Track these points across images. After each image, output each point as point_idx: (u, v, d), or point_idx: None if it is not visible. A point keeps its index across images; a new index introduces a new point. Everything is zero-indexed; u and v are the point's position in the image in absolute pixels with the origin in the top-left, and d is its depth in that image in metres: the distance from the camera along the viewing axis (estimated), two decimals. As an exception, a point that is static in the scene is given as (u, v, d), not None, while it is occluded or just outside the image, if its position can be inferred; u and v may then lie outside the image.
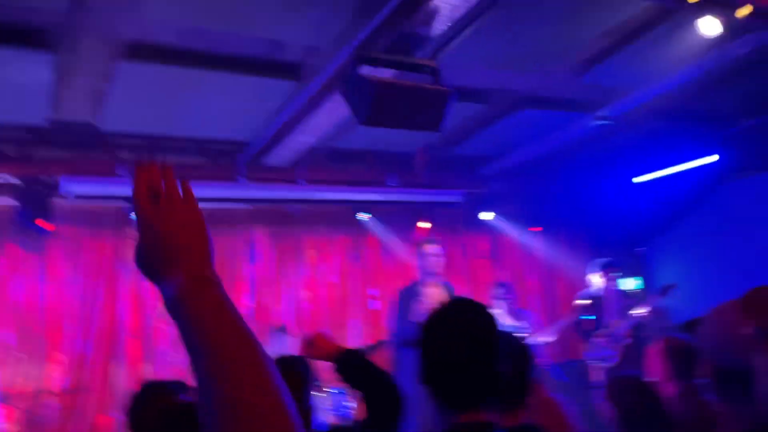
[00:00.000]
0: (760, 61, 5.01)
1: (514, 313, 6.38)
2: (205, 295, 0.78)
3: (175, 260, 0.81)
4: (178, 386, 2.27)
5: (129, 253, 6.34)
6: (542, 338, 6.11)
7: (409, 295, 4.93)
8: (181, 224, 0.85)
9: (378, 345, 6.08)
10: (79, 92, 4.63)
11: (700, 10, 3.65)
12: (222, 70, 4.44)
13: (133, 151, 5.73)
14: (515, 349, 1.85)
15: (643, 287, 8.43)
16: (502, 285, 6.62)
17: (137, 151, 5.73)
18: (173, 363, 6.28)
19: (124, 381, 6.05)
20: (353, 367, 2.05)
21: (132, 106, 4.93)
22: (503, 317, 6.24)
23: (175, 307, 0.77)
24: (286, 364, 2.06)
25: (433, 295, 4.83)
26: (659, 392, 2.57)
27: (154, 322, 6.32)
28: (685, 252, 8.26)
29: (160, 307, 6.20)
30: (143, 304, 6.33)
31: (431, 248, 4.97)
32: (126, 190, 5.64)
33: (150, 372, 6.18)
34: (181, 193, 0.88)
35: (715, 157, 6.86)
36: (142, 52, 4.13)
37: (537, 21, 4.18)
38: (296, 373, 2.02)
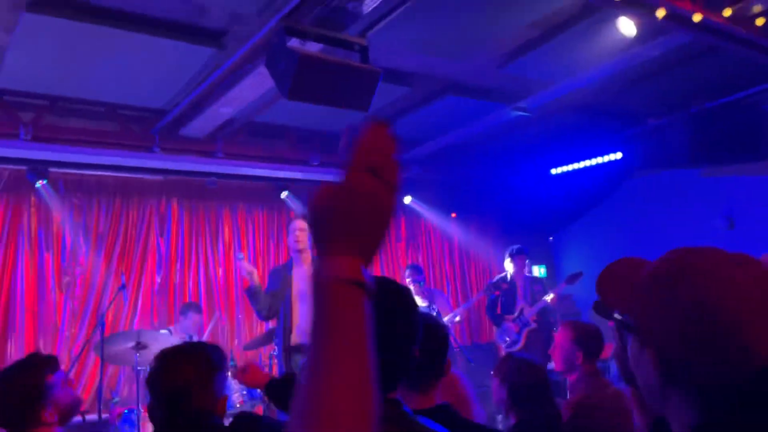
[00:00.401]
0: (668, 64, 5.32)
1: (424, 293, 6.49)
2: (352, 302, 0.73)
3: (352, 246, 0.74)
4: (30, 365, 2.15)
5: (27, 220, 5.94)
6: (448, 318, 6.26)
7: (278, 275, 4.77)
8: (382, 215, 0.76)
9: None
10: (-25, 43, 4.25)
11: (621, 9, 3.80)
12: (139, 31, 4.19)
13: (36, 112, 5.33)
14: (431, 329, 1.86)
15: (546, 275, 8.82)
16: (413, 267, 6.72)
17: (40, 112, 5.33)
18: (68, 337, 5.97)
19: (16, 356, 5.67)
20: (280, 391, 2.31)
21: (36, 63, 4.57)
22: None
23: (319, 293, 0.73)
24: (198, 350, 1.97)
25: (300, 274, 4.67)
26: (547, 372, 2.69)
27: (50, 295, 5.95)
28: (589, 242, 8.71)
29: (59, 278, 5.86)
30: (41, 275, 5.94)
31: (296, 223, 4.75)
32: (26, 152, 5.27)
33: (44, 347, 5.83)
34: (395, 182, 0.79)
35: (619, 155, 7.24)
36: (49, 3, 3.83)
37: (465, 8, 4.22)
38: (209, 359, 1.94)
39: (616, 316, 1.00)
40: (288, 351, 4.62)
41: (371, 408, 0.69)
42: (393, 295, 1.40)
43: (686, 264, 0.88)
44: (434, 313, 6.07)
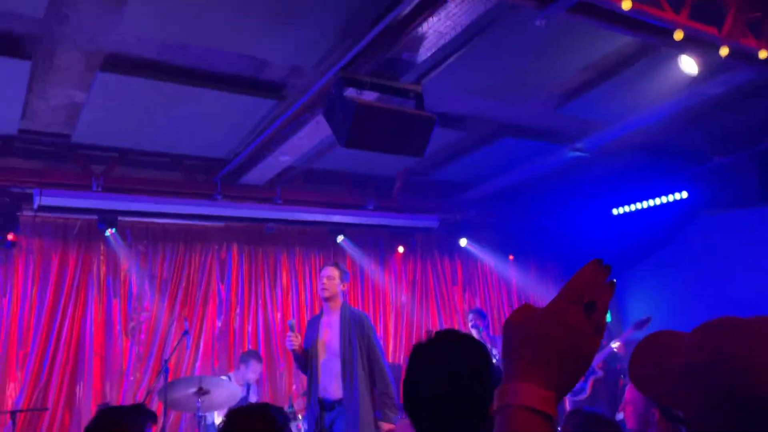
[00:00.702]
0: (733, 100, 5.15)
1: (488, 339, 6.35)
2: (531, 428, 0.71)
3: (545, 376, 0.73)
4: (134, 412, 2.22)
5: (96, 268, 6.17)
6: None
7: (311, 326, 4.57)
8: (581, 352, 0.75)
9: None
10: (53, 102, 4.53)
11: (680, 48, 3.73)
12: (202, 86, 4.37)
13: (107, 164, 5.60)
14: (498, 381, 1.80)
15: (610, 320, 8.49)
16: (476, 311, 6.59)
17: (111, 165, 5.60)
18: (132, 382, 6.10)
19: (85, 400, 5.83)
20: None
21: (108, 118, 4.82)
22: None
23: (499, 417, 0.72)
24: (259, 412, 1.98)
25: (327, 322, 4.45)
26: (621, 429, 2.53)
27: (117, 340, 6.12)
28: (655, 285, 8.36)
29: (126, 324, 6.03)
30: (108, 320, 6.14)
31: (325, 270, 4.52)
32: (97, 203, 5.51)
33: (110, 392, 5.97)
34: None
35: (684, 194, 6.99)
36: (120, 64, 4.06)
37: (519, 52, 4.22)
38: (271, 422, 1.95)
39: (660, 407, 0.92)
40: (318, 406, 4.32)
41: None
42: (476, 353, 1.38)
43: (727, 351, 0.80)
44: (494, 360, 5.93)
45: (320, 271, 4.66)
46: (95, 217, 5.79)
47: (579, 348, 0.74)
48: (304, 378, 6.82)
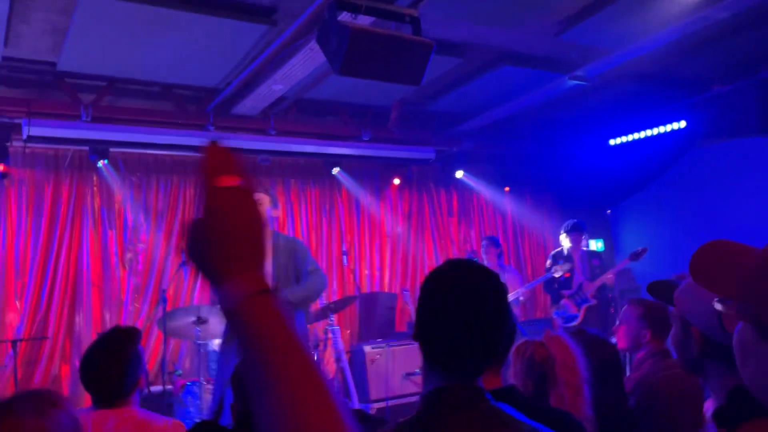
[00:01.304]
0: (737, 27, 5.00)
1: (496, 267, 6.44)
2: (267, 310, 0.72)
3: (240, 263, 0.74)
4: (123, 336, 2.26)
5: (90, 199, 6.14)
6: (514, 296, 6.18)
7: None
8: (250, 221, 0.77)
9: (347, 300, 6.07)
10: (36, 27, 4.37)
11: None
12: (191, 11, 4.21)
13: (95, 93, 5.47)
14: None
15: (604, 249, 8.59)
16: (489, 238, 6.64)
17: (100, 94, 5.47)
18: (132, 311, 6.18)
19: (85, 329, 5.93)
20: None
21: (94, 44, 4.66)
22: None
23: (234, 318, 0.72)
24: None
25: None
26: (617, 351, 2.60)
27: (114, 271, 6.17)
28: (650, 215, 8.40)
29: (122, 255, 6.06)
30: (105, 251, 6.16)
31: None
32: (87, 133, 5.43)
33: (110, 321, 6.06)
34: (249, 187, 0.79)
35: (683, 123, 6.91)
36: (105, -14, 3.89)
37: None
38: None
39: (718, 303, 0.94)
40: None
41: (334, 401, 0.69)
42: (485, 279, 1.36)
43: None
44: None
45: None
46: (86, 147, 5.71)
47: (242, 217, 0.76)
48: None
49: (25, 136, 5.29)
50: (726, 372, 1.27)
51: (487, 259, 6.46)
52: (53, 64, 5.00)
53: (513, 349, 2.08)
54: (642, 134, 7.39)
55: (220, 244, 0.74)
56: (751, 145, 6.87)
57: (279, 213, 4.39)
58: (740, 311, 0.90)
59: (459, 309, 1.30)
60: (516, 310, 6.66)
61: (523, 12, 4.60)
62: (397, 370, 5.95)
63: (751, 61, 5.88)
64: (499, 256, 6.56)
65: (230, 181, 0.76)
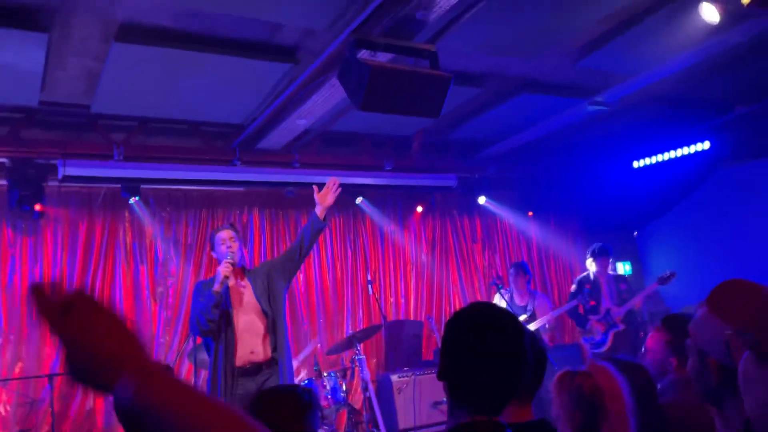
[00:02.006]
0: (757, 48, 5.01)
1: (525, 293, 6.43)
2: (165, 384, 0.74)
3: (114, 364, 0.78)
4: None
5: (122, 235, 6.32)
6: (539, 323, 6.15)
7: (207, 288, 3.98)
8: (101, 327, 0.81)
9: (373, 329, 6.10)
10: (71, 73, 4.58)
11: (701, -4, 3.63)
12: (217, 53, 4.38)
13: (127, 133, 5.67)
14: (535, 349, 1.85)
15: (631, 272, 8.51)
16: (516, 265, 6.63)
17: (131, 133, 5.67)
18: (163, 344, 6.30)
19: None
20: None
21: (125, 87, 4.86)
22: (512, 297, 6.32)
23: (140, 412, 0.73)
24: (288, 393, 2.07)
25: (239, 285, 4.07)
26: (650, 376, 2.58)
27: (146, 304, 6.30)
28: (676, 237, 8.32)
29: (154, 289, 6.20)
30: (137, 285, 6.32)
31: (224, 233, 4.09)
32: (120, 172, 5.62)
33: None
34: (84, 298, 0.84)
35: (706, 144, 6.88)
36: (136, 33, 4.07)
37: (535, 5, 4.14)
38: (299, 401, 2.02)
39: (729, 332, 1.01)
40: (232, 375, 3.87)
41: None
42: (505, 320, 1.45)
43: None
44: (529, 314, 6.01)
45: (216, 235, 4.14)
46: (118, 185, 5.90)
47: (85, 328, 0.81)
48: (326, 336, 7.02)
49: (60, 176, 5.50)
50: (743, 403, 1.29)
51: (515, 286, 6.46)
52: (87, 107, 5.21)
53: (555, 380, 2.07)
54: (666, 156, 7.37)
55: (89, 362, 0.79)
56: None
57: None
58: (746, 340, 0.96)
59: (480, 350, 1.38)
60: (545, 336, 6.62)
61: (541, 41, 4.67)
62: (425, 398, 5.95)
63: (773, 81, 5.86)
64: (528, 281, 6.55)
65: (62, 305, 0.81)
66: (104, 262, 6.19)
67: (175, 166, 5.96)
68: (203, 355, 4.88)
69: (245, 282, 4.10)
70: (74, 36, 4.02)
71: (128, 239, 6.37)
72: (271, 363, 3.94)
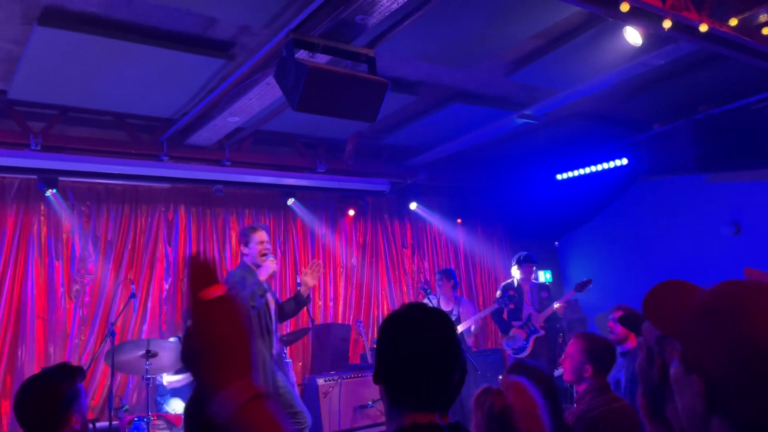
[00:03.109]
0: (674, 72, 5.34)
1: (451, 299, 6.56)
2: (259, 415, 0.77)
3: (228, 373, 0.79)
4: (58, 373, 2.24)
5: (37, 229, 5.98)
6: (466, 326, 6.29)
7: (244, 280, 4.50)
8: (236, 331, 0.81)
9: (301, 332, 6.05)
10: (-13, 55, 4.30)
11: (626, 19, 3.82)
12: (147, 43, 4.23)
13: (46, 122, 5.38)
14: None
15: (551, 280, 8.84)
16: (442, 272, 6.76)
17: (50, 122, 5.38)
18: (78, 345, 6.00)
19: (28, 363, 5.72)
20: None
21: (46, 73, 4.61)
22: (438, 302, 6.42)
23: (229, 427, 0.76)
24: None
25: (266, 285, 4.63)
26: (556, 384, 2.68)
27: (60, 303, 5.98)
28: (595, 247, 8.72)
29: (69, 286, 5.90)
30: (51, 282, 5.98)
31: (262, 234, 4.66)
32: (36, 162, 5.32)
33: (54, 354, 5.87)
34: (232, 297, 0.84)
35: (624, 161, 7.26)
36: (60, 17, 3.88)
37: (471, 19, 4.24)
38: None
39: (661, 336, 1.04)
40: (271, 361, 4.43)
41: None
42: (440, 319, 1.46)
43: (742, 301, 0.91)
44: (454, 318, 6.12)
45: (251, 234, 4.65)
46: (34, 176, 5.59)
47: (228, 326, 0.81)
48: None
49: (-30, 165, 5.15)
50: None
51: (441, 292, 6.58)
52: (3, 92, 4.92)
53: (473, 398, 2.11)
54: (587, 170, 7.70)
55: (209, 355, 0.79)
56: (687, 181, 7.27)
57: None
58: (673, 347, 1.00)
59: (417, 345, 1.39)
60: (468, 340, 6.77)
61: (475, 53, 4.80)
62: (350, 402, 5.94)
63: (687, 104, 6.25)
64: (454, 288, 6.68)
65: (214, 292, 0.81)
66: (15, 256, 5.82)
67: (98, 158, 5.69)
68: (121, 357, 4.69)
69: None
70: (-8, 16, 3.79)
71: (43, 233, 6.03)
72: (277, 359, 4.57)
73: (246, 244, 4.65)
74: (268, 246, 4.65)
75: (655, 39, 4.35)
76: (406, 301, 7.95)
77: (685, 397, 0.96)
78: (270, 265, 4.50)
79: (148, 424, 4.51)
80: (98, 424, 5.09)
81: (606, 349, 2.87)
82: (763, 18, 4.03)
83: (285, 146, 6.73)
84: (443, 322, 1.49)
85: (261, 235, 4.63)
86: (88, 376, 5.82)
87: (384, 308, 7.90)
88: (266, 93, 4.79)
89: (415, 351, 1.41)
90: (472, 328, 6.46)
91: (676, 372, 0.99)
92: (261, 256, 4.54)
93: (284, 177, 6.78)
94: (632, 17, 3.74)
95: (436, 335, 1.44)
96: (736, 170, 6.56)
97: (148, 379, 4.74)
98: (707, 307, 0.94)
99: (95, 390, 5.95)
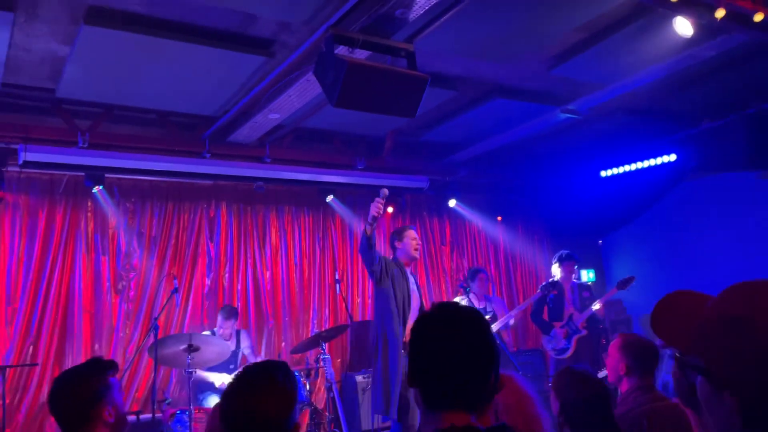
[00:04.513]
0: (726, 64, 5.13)
1: (483, 298, 6.48)
2: None
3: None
4: (92, 369, 2.25)
5: (84, 225, 6.14)
6: (503, 321, 6.20)
7: (400, 270, 4.71)
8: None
9: (339, 329, 6.05)
10: (37, 55, 4.43)
11: (677, 9, 3.68)
12: (189, 41, 4.28)
13: (93, 120, 5.52)
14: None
15: (594, 279, 8.64)
16: (475, 270, 6.68)
17: (97, 120, 5.51)
18: (123, 338, 6.14)
19: (75, 356, 5.88)
20: None
21: (93, 72, 4.72)
22: (471, 301, 6.33)
23: None
24: (267, 370, 1.81)
25: (413, 282, 4.82)
26: (608, 388, 2.59)
27: (106, 297, 6.13)
28: (640, 246, 8.48)
29: (115, 281, 6.04)
30: (97, 277, 6.14)
31: (413, 232, 4.90)
32: (83, 159, 5.46)
33: (100, 348, 6.02)
34: None
35: (673, 157, 7.03)
36: (105, 16, 3.96)
37: (512, 12, 4.16)
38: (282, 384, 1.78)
39: (678, 355, 0.97)
40: (403, 347, 4.42)
41: None
42: (473, 316, 1.42)
43: (758, 307, 0.85)
44: (489, 316, 6.03)
45: (405, 231, 4.92)
46: (82, 173, 5.73)
47: None
48: (291, 335, 6.93)
49: (21, 162, 5.31)
50: None
51: (472, 291, 6.47)
52: (52, 91, 5.05)
53: None
54: (633, 166, 7.50)
55: None
56: (739, 179, 6.98)
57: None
58: (693, 365, 0.92)
59: (454, 348, 1.35)
60: (507, 336, 6.67)
61: (516, 47, 4.70)
62: (389, 399, 5.91)
63: (739, 98, 6.01)
64: (484, 286, 6.58)
65: None
66: (64, 251, 5.99)
67: (142, 155, 5.81)
68: (163, 350, 4.77)
69: (414, 279, 4.83)
70: (41, 16, 3.89)
71: (90, 229, 6.19)
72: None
73: (399, 240, 4.90)
74: (420, 244, 4.92)
75: (706, 29, 4.19)
76: (445, 298, 7.89)
77: (718, 416, 0.89)
78: (374, 210, 4.60)
79: (190, 417, 4.57)
80: (142, 417, 5.19)
81: (644, 348, 2.76)
82: (822, 6, 3.83)
83: (324, 143, 6.75)
84: (476, 319, 1.44)
85: (414, 233, 4.90)
86: (132, 368, 5.96)
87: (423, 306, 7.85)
88: (306, 89, 4.81)
89: (448, 350, 1.37)
90: (511, 322, 6.37)
91: (703, 390, 0.92)
92: (414, 251, 4.80)
93: (323, 174, 6.80)
94: (683, 6, 3.61)
95: (470, 333, 1.40)
96: (792, 166, 6.28)
97: (190, 372, 4.81)
98: (727, 317, 0.87)
99: (140, 383, 6.08)
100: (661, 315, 1.04)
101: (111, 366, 2.29)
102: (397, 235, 4.98)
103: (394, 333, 4.42)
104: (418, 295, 4.74)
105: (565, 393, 2.38)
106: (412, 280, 4.75)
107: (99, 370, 2.25)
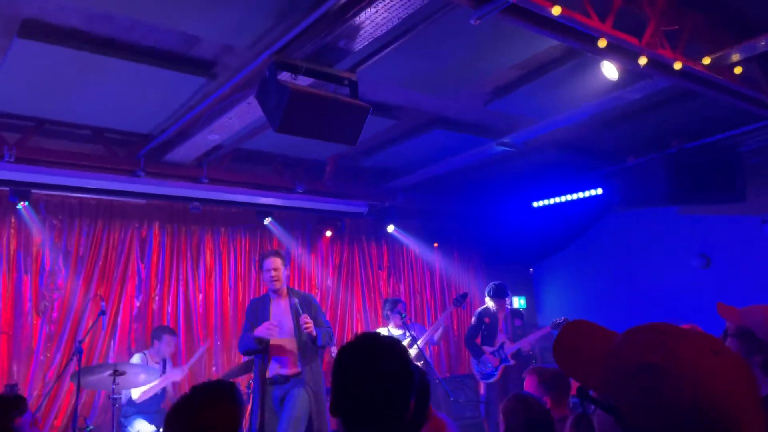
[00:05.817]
0: (649, 106, 5.47)
1: (405, 326, 6.52)
2: None
3: None
4: (14, 405, 2.15)
5: (6, 241, 5.85)
6: (426, 337, 6.37)
7: (255, 307, 4.85)
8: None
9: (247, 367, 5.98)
10: (-37, 65, 4.24)
11: (603, 54, 3.91)
12: (128, 59, 4.20)
13: (22, 134, 5.30)
14: (421, 382, 1.88)
15: (526, 306, 8.89)
16: (393, 301, 6.69)
17: (26, 134, 5.30)
18: (43, 362, 5.85)
19: (-11, 381, 5.55)
20: None
21: (24, 85, 4.56)
22: (392, 330, 6.39)
23: None
24: (218, 389, 1.87)
25: (279, 307, 4.79)
26: (550, 413, 2.68)
27: (26, 318, 5.84)
28: (569, 274, 8.81)
29: (37, 301, 5.77)
30: (18, 296, 5.84)
31: (268, 263, 4.80)
32: (9, 174, 5.23)
33: (18, 371, 5.71)
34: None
35: (599, 191, 7.38)
36: (41, 30, 3.84)
37: (452, 49, 4.31)
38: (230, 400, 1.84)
39: (582, 388, 0.98)
40: (264, 383, 4.65)
41: None
42: (387, 350, 1.45)
43: (671, 356, 0.87)
44: (408, 339, 6.07)
45: (263, 262, 4.85)
46: (6, 188, 5.48)
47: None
48: (223, 360, 6.78)
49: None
50: None
51: (391, 321, 6.52)
52: (-23, 102, 4.83)
53: None
54: (563, 198, 7.81)
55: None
56: (660, 213, 7.40)
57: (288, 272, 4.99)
58: (604, 405, 0.93)
59: (370, 377, 1.39)
60: (431, 348, 6.79)
61: (455, 82, 4.86)
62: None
63: (661, 138, 6.39)
64: (401, 316, 6.58)
65: None
66: (-18, 270, 5.68)
67: (73, 172, 5.61)
68: (87, 377, 4.58)
69: (285, 303, 4.77)
70: (-30, 26, 3.74)
71: (12, 246, 5.90)
72: (301, 375, 4.65)
73: (261, 270, 4.96)
74: (274, 274, 4.80)
75: (631, 74, 4.46)
76: (380, 323, 7.92)
77: None
78: (267, 331, 4.61)
79: (112, 445, 4.40)
80: (61, 445, 4.95)
81: (557, 376, 2.90)
82: (735, 57, 4.15)
83: (264, 165, 6.71)
84: (393, 347, 1.49)
85: (268, 263, 4.81)
86: (53, 393, 5.67)
87: (358, 330, 7.85)
88: (247, 112, 4.79)
89: (365, 378, 1.41)
90: (436, 337, 6.60)
91: (607, 426, 0.93)
92: (270, 282, 4.82)
93: (262, 196, 6.75)
94: (609, 53, 3.83)
95: (386, 362, 1.44)
96: (707, 204, 6.70)
97: (115, 398, 4.64)
98: (644, 364, 0.88)
99: (59, 409, 5.79)
100: (562, 347, 1.03)
101: (17, 406, 2.17)
102: (259, 265, 4.99)
103: (258, 366, 4.70)
104: (291, 316, 4.70)
105: (510, 418, 2.46)
106: (285, 303, 4.77)
107: (2, 413, 2.11)
